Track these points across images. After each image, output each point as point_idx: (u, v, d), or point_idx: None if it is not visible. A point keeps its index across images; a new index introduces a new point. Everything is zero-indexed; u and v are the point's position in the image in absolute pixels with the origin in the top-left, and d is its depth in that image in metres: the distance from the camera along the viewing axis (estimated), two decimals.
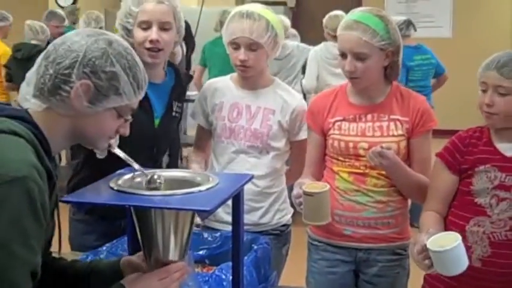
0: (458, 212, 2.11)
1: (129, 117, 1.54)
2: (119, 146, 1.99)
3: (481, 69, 2.08)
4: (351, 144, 2.26)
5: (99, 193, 1.53)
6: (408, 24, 5.53)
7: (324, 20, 5.74)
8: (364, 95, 2.31)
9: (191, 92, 5.91)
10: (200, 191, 1.51)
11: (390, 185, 2.27)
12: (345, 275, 2.36)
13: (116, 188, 1.52)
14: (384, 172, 2.24)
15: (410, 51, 5.40)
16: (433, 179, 2.20)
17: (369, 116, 2.28)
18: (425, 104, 2.35)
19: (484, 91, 2.06)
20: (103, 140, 1.53)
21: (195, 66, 6.19)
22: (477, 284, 2.06)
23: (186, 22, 2.41)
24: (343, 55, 2.24)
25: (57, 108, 1.45)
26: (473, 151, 2.09)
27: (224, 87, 2.51)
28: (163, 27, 2.22)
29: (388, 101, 2.29)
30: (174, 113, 2.39)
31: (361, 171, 2.26)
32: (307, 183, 2.15)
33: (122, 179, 1.59)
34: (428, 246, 1.85)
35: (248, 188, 2.31)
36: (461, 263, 1.86)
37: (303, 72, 5.87)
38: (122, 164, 1.64)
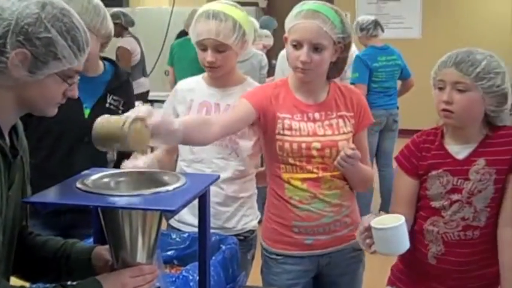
0: (418, 212, 2.14)
1: (75, 80, 1.49)
2: (46, 132, 2.18)
3: (437, 67, 2.06)
4: (303, 145, 2.19)
5: (65, 193, 1.52)
6: (376, 24, 5.56)
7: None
8: (308, 91, 2.26)
9: (163, 93, 5.90)
10: (168, 191, 1.50)
11: (341, 185, 2.26)
12: (306, 285, 2.33)
13: (82, 189, 1.51)
14: (336, 173, 2.22)
15: (376, 51, 5.43)
16: (396, 183, 2.21)
17: (317, 115, 2.24)
18: (363, 98, 2.36)
19: (441, 89, 2.03)
20: (51, 106, 1.49)
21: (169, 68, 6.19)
22: (434, 279, 2.10)
23: None
24: (297, 45, 2.16)
25: None
26: (426, 156, 2.09)
27: (195, 86, 2.49)
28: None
29: (331, 97, 2.26)
30: (108, 105, 2.41)
31: (315, 175, 2.21)
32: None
33: (89, 180, 1.58)
34: (371, 224, 1.86)
35: (215, 191, 2.31)
36: (401, 244, 1.86)
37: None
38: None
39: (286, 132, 2.22)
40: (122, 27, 6.79)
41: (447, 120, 2.05)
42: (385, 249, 1.88)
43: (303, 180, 2.22)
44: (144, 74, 7.02)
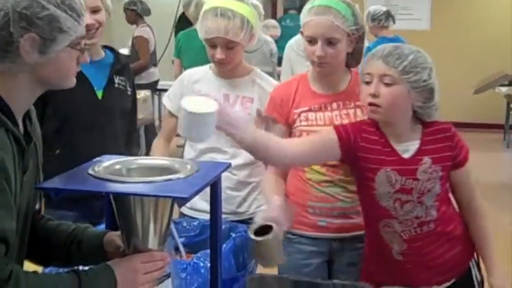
0: (369, 214, 2.14)
1: (83, 45, 1.50)
2: (63, 120, 2.27)
3: (365, 60, 2.04)
4: None
5: (77, 180, 1.52)
6: (388, 15, 5.55)
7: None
8: (328, 82, 2.30)
9: (171, 82, 5.90)
10: (179, 178, 1.51)
11: None
12: (319, 267, 2.36)
13: (94, 175, 1.51)
14: None
15: (386, 43, 5.40)
16: (319, 137, 2.13)
17: (334, 105, 2.27)
18: None
19: (368, 83, 2.01)
20: (69, 77, 1.50)
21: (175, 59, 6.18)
22: (406, 273, 2.10)
23: None
24: (312, 41, 2.22)
25: (10, 70, 1.41)
26: (370, 149, 2.03)
27: (202, 77, 2.53)
28: (94, 10, 2.38)
29: (352, 87, 2.28)
30: (116, 85, 2.47)
31: (334, 162, 2.22)
32: (256, 225, 1.96)
33: (101, 166, 1.58)
34: (182, 105, 1.77)
35: (226, 176, 2.33)
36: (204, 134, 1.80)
37: (279, 64, 5.89)
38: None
39: (303, 123, 2.27)
40: (138, 15, 6.74)
41: (374, 115, 2.02)
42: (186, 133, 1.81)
43: (323, 165, 2.26)
44: (155, 63, 7.02)
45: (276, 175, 2.30)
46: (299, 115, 2.28)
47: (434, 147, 2.04)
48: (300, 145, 2.10)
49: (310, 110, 2.27)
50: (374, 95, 1.98)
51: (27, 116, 1.51)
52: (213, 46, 2.39)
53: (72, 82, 1.52)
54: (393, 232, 2.07)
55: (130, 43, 6.69)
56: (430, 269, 2.09)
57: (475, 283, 2.17)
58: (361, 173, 2.07)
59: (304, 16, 2.25)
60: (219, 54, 2.38)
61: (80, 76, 1.65)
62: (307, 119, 2.27)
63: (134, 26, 6.86)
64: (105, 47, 2.58)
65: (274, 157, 2.02)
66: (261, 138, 1.96)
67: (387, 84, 1.97)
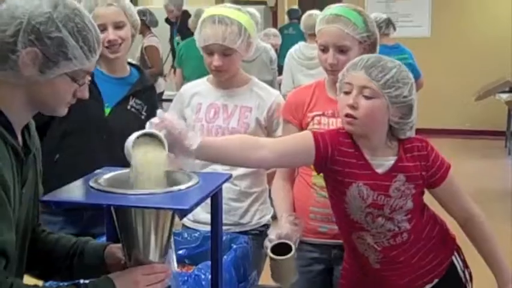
0: (341, 225, 2.12)
1: (85, 81, 1.49)
2: (68, 130, 2.26)
3: (346, 69, 2.00)
4: None
5: (79, 192, 1.53)
6: (388, 23, 5.56)
7: (302, 21, 5.78)
8: None
9: (172, 92, 5.91)
10: (180, 190, 1.51)
11: None
12: (320, 273, 2.37)
13: (96, 187, 1.51)
14: None
15: (387, 51, 5.40)
16: (295, 141, 2.03)
17: None
18: None
19: (347, 93, 1.96)
20: (62, 105, 1.49)
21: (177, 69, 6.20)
22: (386, 280, 2.09)
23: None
24: (325, 49, 2.28)
25: (9, 79, 1.41)
26: (345, 162, 1.98)
27: (201, 89, 2.54)
28: (118, 25, 2.38)
29: None
30: (129, 107, 2.43)
31: None
32: (273, 241, 1.97)
33: (102, 178, 1.58)
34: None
35: (228, 187, 2.33)
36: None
37: (280, 73, 5.91)
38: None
39: (315, 126, 2.29)
40: (146, 25, 6.76)
41: (349, 127, 1.97)
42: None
43: None
44: (161, 74, 7.03)
45: (284, 181, 2.33)
46: (312, 118, 2.32)
47: (409, 165, 2.00)
48: (276, 143, 2.03)
49: (323, 115, 2.31)
50: (352, 107, 1.94)
51: (26, 128, 1.52)
52: (210, 53, 2.40)
53: (62, 112, 1.51)
54: (366, 244, 2.05)
55: (138, 53, 6.70)
56: (409, 274, 2.08)
57: (461, 276, 2.15)
58: (334, 186, 2.04)
59: (318, 25, 2.32)
60: (216, 61, 2.39)
61: (93, 89, 1.65)
62: (319, 123, 2.30)
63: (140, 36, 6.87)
64: (132, 65, 2.56)
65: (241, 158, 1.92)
66: (213, 142, 1.90)
67: (367, 97, 1.93)
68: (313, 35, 5.45)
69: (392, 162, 1.99)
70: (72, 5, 1.44)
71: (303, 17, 5.86)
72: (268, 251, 1.93)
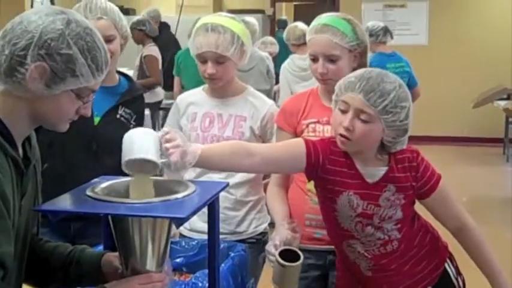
0: (332, 233, 2.12)
1: (90, 99, 1.51)
2: (56, 138, 2.07)
3: (343, 86, 1.96)
4: None
5: (75, 201, 1.53)
6: (385, 31, 5.58)
7: (285, 33, 5.81)
8: None
9: (169, 101, 5.92)
10: (177, 199, 1.52)
11: None
12: (315, 279, 2.38)
13: (92, 196, 1.52)
14: None
15: (384, 59, 5.43)
16: (287, 148, 2.03)
17: None
18: None
19: (344, 112, 1.94)
20: (63, 121, 1.51)
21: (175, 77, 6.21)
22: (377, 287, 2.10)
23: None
24: (315, 59, 2.29)
25: (15, 91, 1.42)
26: (336, 171, 1.99)
27: (196, 99, 2.55)
28: (108, 39, 2.31)
29: None
30: (119, 116, 2.43)
31: None
32: (281, 247, 1.97)
33: (99, 187, 1.59)
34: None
35: (224, 196, 2.33)
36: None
37: (277, 81, 5.93)
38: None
39: (311, 134, 2.30)
40: (146, 35, 6.76)
41: (342, 146, 1.97)
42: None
43: None
44: (160, 83, 7.03)
45: (279, 187, 2.32)
46: (307, 126, 2.33)
47: (400, 176, 2.00)
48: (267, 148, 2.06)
49: (318, 122, 2.32)
50: (348, 129, 1.93)
51: (27, 139, 1.52)
52: (204, 61, 2.41)
53: (64, 127, 1.53)
54: (357, 252, 2.05)
55: (137, 62, 6.71)
56: (402, 281, 2.08)
57: (454, 283, 2.15)
58: (324, 194, 2.04)
59: (307, 35, 2.34)
60: (209, 69, 2.40)
61: None
62: (314, 131, 2.31)
63: (140, 46, 6.87)
64: (122, 74, 2.55)
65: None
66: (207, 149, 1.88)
67: (363, 121, 1.92)
68: (298, 45, 5.55)
69: (383, 172, 2.00)
70: (84, 23, 1.45)
71: (287, 28, 5.90)
72: (277, 256, 1.93)
